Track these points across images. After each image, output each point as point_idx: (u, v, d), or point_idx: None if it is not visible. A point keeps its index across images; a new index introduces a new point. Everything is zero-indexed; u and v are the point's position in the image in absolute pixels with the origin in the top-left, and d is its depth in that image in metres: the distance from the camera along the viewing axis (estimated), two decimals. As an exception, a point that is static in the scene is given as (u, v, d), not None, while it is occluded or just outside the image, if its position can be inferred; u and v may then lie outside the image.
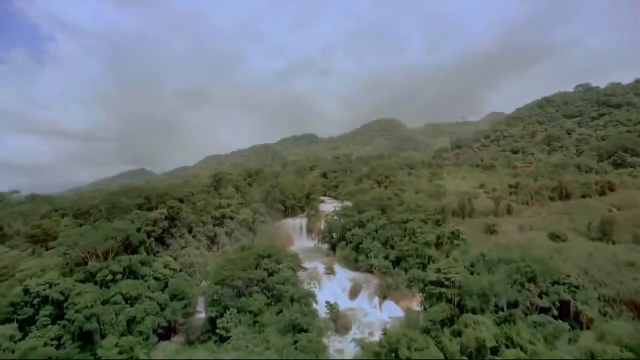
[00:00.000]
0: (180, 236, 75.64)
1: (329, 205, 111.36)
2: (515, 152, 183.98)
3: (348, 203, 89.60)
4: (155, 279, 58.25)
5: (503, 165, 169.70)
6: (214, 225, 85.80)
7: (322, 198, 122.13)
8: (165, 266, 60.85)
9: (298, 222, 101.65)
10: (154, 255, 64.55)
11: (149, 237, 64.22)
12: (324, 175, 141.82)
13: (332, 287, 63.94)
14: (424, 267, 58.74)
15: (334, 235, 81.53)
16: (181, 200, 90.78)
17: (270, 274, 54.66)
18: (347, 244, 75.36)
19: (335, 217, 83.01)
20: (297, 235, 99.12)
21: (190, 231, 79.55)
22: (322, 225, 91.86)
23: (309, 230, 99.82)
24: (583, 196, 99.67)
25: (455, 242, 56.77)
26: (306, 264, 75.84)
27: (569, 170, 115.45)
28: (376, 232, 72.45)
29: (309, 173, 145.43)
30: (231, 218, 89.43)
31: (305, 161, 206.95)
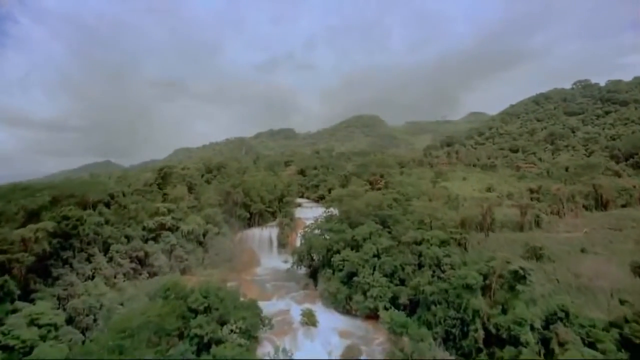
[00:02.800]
0: (88, 260, 50.71)
1: (307, 211, 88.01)
2: (514, 150, 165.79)
3: (334, 210, 66.50)
4: (4, 349, 33.29)
5: (504, 165, 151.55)
6: (147, 241, 61.02)
7: (299, 200, 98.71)
8: (32, 321, 35.92)
9: (267, 233, 77.72)
10: (22, 299, 39.40)
11: (8, 270, 38.82)
12: (302, 172, 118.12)
13: (313, 348, 40.55)
14: (463, 325, 36.13)
15: (315, 257, 58.14)
16: (107, 204, 65.88)
17: (206, 346, 30.93)
18: (334, 273, 52.20)
19: (316, 232, 59.68)
20: (265, 251, 75.19)
21: (106, 251, 54.60)
22: (299, 238, 68.59)
23: (281, 244, 76.21)
24: (623, 205, 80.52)
25: (519, 287, 34.64)
26: (274, 302, 52.54)
27: (598, 173, 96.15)
28: (378, 257, 49.71)
29: (284, 169, 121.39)
30: (173, 229, 64.80)
31: (280, 156, 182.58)
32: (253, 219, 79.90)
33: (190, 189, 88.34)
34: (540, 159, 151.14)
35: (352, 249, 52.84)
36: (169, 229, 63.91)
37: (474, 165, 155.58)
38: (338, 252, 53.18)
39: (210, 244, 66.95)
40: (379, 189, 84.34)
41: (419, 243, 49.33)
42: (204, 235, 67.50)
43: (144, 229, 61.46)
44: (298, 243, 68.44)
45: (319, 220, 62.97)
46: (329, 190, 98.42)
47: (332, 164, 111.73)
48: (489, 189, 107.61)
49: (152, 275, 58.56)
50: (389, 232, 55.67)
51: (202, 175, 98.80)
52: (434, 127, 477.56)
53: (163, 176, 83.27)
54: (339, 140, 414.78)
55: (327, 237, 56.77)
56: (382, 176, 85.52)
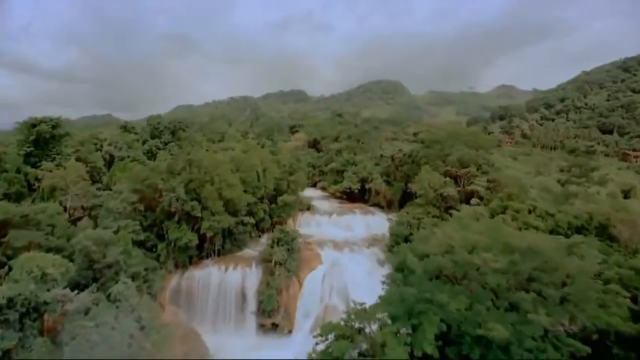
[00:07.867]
0: None
1: (324, 222, 46.83)
2: (606, 131, 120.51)
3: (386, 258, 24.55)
4: None
5: (600, 151, 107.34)
6: None
7: (309, 194, 56.82)
8: None
9: (235, 279, 35.74)
10: None
11: None
12: (315, 144, 75.26)
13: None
14: None
15: None
16: None
17: None
18: None
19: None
20: (226, 326, 33.80)
21: None
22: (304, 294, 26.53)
23: (266, 312, 33.93)
24: None
25: None
26: None
27: None
28: None
29: (288, 138, 78.24)
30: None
31: (287, 119, 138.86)
32: (208, 245, 37.71)
33: (105, 168, 47.11)
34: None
35: None
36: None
37: (554, 148, 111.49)
38: None
39: (71, 331, 25.61)
40: (474, 193, 41.67)
41: None
42: (61, 305, 26.16)
43: None
44: (301, 312, 27.03)
45: (369, 310, 20.70)
46: (362, 182, 55.99)
47: (365, 136, 68.45)
48: (626, 194, 64.55)
49: None
50: None
51: (144, 142, 56.77)
52: (459, 98, 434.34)
53: (40, 140, 41.47)
54: (355, 106, 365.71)
55: None
56: (479, 167, 42.78)
